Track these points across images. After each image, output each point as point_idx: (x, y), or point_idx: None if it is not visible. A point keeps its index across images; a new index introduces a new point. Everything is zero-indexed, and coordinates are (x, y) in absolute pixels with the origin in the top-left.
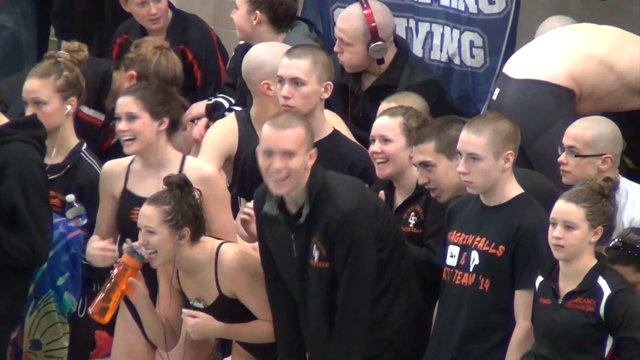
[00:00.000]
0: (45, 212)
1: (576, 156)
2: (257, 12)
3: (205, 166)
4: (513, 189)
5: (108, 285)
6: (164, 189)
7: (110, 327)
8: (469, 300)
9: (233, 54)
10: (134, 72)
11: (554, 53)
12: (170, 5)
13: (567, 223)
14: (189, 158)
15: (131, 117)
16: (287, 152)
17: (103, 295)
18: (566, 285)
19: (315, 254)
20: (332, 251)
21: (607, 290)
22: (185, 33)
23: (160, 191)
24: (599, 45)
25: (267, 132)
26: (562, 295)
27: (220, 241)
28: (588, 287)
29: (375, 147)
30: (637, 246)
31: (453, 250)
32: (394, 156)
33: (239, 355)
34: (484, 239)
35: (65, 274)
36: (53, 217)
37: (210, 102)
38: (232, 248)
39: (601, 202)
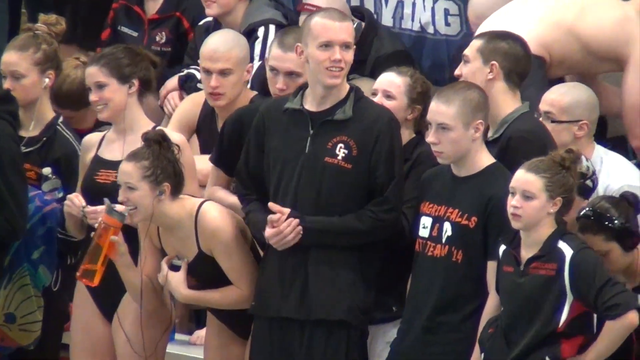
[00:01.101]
0: (22, 186)
1: (552, 122)
2: None
3: (172, 134)
4: (484, 158)
5: (91, 247)
6: (142, 144)
7: None
8: (442, 271)
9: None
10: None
11: (525, 19)
12: None
13: (526, 193)
14: (159, 127)
15: (100, 86)
16: (346, 44)
17: (88, 258)
18: (527, 253)
19: (340, 153)
20: (363, 154)
21: (568, 251)
22: (181, 0)
23: (139, 147)
24: (567, 12)
25: (324, 25)
26: (523, 262)
27: (202, 200)
28: (548, 252)
29: (376, 99)
30: (608, 215)
31: (425, 221)
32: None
33: (213, 326)
34: (456, 211)
35: (40, 248)
36: (29, 190)
37: (182, 73)
38: (214, 207)
39: (562, 174)
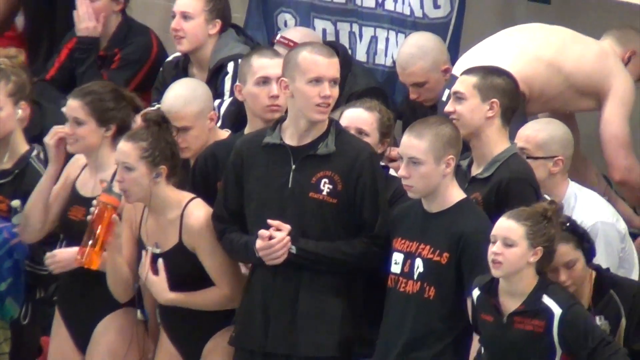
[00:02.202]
0: None
1: (528, 158)
2: (218, 20)
3: None
4: (455, 194)
5: (88, 229)
6: (141, 125)
7: None
8: (414, 308)
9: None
10: None
11: (503, 54)
12: (123, 13)
13: (507, 240)
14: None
15: (77, 122)
16: (334, 80)
17: (89, 241)
18: (509, 303)
19: (325, 188)
20: (348, 189)
21: (557, 309)
22: (126, 40)
23: (137, 127)
24: (547, 46)
25: (315, 60)
26: (505, 312)
27: (192, 196)
28: (533, 307)
29: None
30: (573, 220)
31: (397, 257)
32: None
33: (162, 352)
34: (428, 247)
35: (7, 280)
36: None
37: (153, 108)
38: (201, 206)
39: (543, 224)
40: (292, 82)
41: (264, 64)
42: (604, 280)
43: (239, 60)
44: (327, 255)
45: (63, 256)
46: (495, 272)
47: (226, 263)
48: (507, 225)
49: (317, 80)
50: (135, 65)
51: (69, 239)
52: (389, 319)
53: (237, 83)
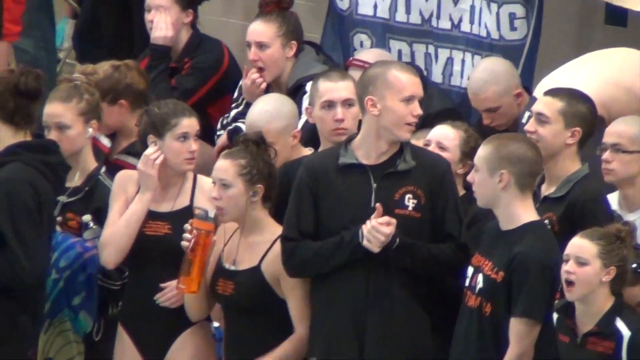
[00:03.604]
0: (34, 233)
1: (623, 152)
2: (293, 42)
3: None
4: (525, 214)
5: (188, 257)
6: (240, 146)
7: None
8: (475, 322)
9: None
10: None
11: (583, 79)
12: (194, 27)
13: (580, 259)
14: (200, 176)
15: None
16: (421, 99)
17: (186, 268)
18: (583, 325)
19: (410, 203)
20: (431, 202)
21: (626, 332)
22: (196, 51)
23: (236, 147)
24: (626, 71)
25: (409, 79)
26: (580, 333)
27: None
28: (605, 329)
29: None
30: None
31: (469, 271)
32: None
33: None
34: (490, 263)
35: (81, 294)
36: (51, 238)
37: (230, 127)
38: None
39: (616, 244)
40: (382, 100)
41: (329, 88)
42: None
43: None
44: (424, 251)
45: (171, 292)
46: (569, 295)
47: (307, 299)
48: (579, 244)
49: (410, 99)
50: (205, 74)
51: (142, 256)
52: (456, 332)
53: (307, 105)
